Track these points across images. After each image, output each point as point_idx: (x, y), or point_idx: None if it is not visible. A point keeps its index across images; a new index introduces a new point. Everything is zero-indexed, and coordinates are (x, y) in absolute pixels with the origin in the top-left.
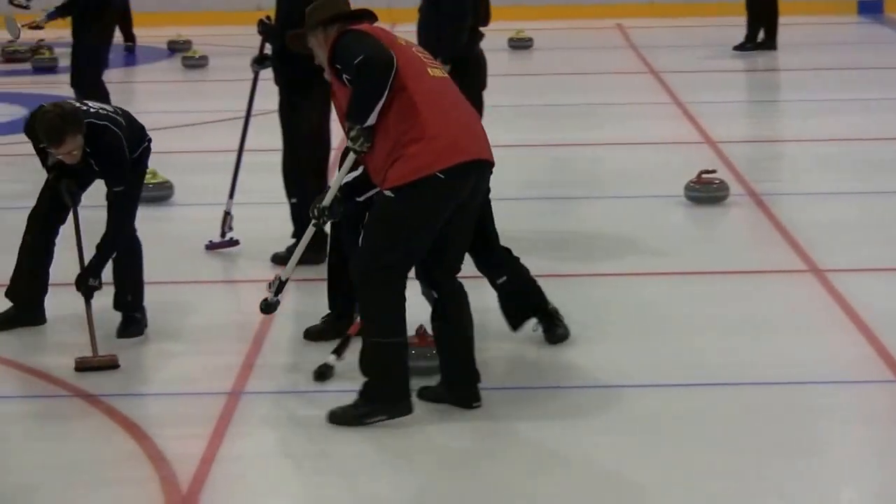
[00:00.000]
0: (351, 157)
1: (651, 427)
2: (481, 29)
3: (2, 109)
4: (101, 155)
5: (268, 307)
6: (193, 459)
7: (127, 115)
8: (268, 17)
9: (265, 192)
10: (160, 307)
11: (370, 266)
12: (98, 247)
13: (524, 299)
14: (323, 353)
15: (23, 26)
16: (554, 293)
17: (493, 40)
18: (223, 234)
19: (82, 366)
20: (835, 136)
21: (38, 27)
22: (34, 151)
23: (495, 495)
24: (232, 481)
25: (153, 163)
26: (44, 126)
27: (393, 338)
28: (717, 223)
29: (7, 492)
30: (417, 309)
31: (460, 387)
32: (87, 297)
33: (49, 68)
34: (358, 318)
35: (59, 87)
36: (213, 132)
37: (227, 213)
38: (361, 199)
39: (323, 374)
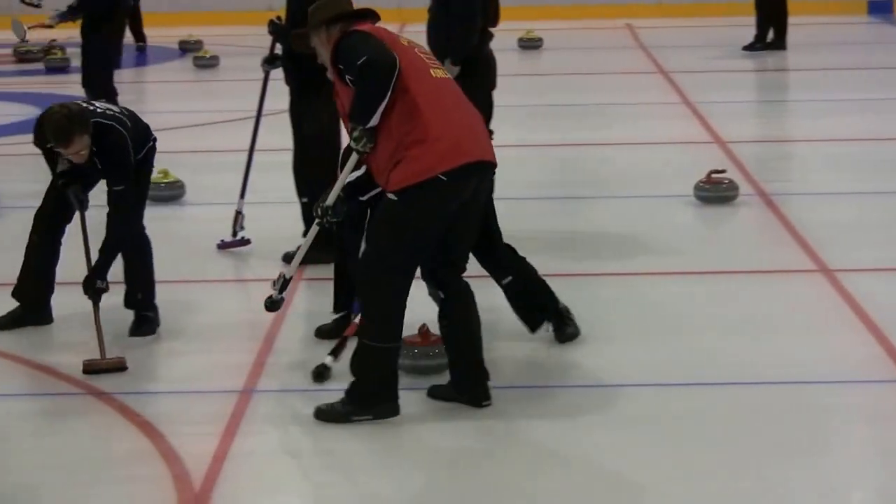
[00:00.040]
0: (354, 156)
1: (654, 426)
2: (490, 29)
3: (14, 109)
4: (105, 154)
5: (272, 305)
6: (206, 457)
7: (132, 116)
8: (278, 18)
9: (276, 192)
10: (172, 306)
11: (373, 268)
12: (102, 249)
13: (533, 299)
14: None
15: (30, 27)
16: (563, 293)
17: (502, 40)
18: (234, 234)
19: (90, 368)
20: (845, 136)
21: (48, 27)
22: (43, 156)
23: (495, 495)
24: (244, 479)
25: (165, 162)
26: (51, 127)
27: (389, 342)
28: (727, 223)
29: (19, 489)
30: (420, 308)
31: (470, 386)
32: (95, 301)
33: (61, 68)
34: (356, 319)
35: (71, 87)
36: (224, 132)
37: (239, 213)
38: (364, 198)
39: (321, 374)
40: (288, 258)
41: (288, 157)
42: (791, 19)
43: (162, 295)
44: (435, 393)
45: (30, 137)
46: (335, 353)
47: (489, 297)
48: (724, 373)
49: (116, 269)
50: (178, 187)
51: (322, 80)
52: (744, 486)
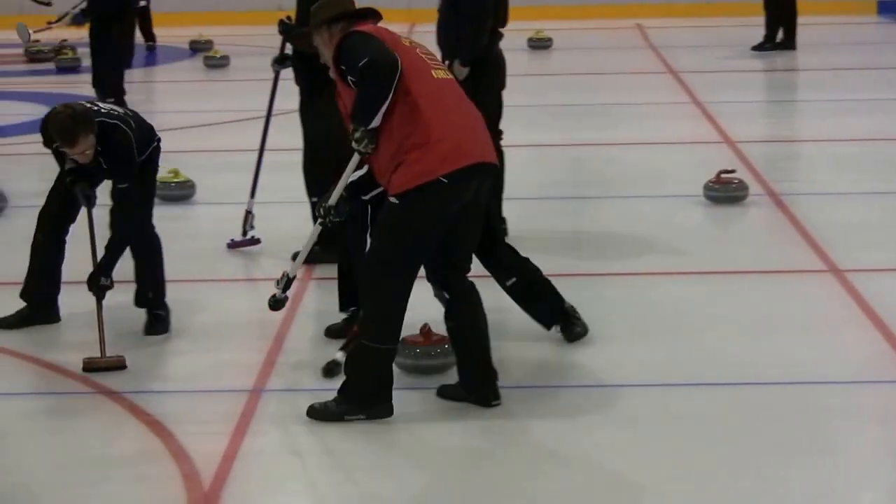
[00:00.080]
0: (355, 156)
1: (657, 426)
2: (500, 30)
3: (25, 109)
4: (110, 153)
5: (276, 304)
6: (216, 456)
7: (136, 116)
8: (288, 18)
9: (286, 191)
10: (182, 305)
11: (375, 270)
12: (107, 246)
13: (540, 298)
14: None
15: (37, 31)
16: (572, 292)
17: (512, 40)
18: (244, 233)
19: (90, 366)
20: (854, 136)
21: (55, 24)
22: (52, 155)
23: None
24: (254, 478)
25: (175, 161)
26: (56, 127)
27: (386, 344)
28: (736, 223)
29: (28, 488)
30: (421, 308)
31: (478, 385)
32: (99, 297)
33: (72, 68)
34: None
35: (82, 86)
36: (234, 132)
37: (249, 212)
38: (367, 197)
39: (331, 370)
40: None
41: (298, 157)
42: (800, 19)
43: (172, 294)
44: (444, 393)
45: (39, 137)
46: (345, 348)
47: (495, 297)
48: (731, 373)
49: (126, 269)
50: (188, 187)
51: (332, 81)
52: (744, 486)
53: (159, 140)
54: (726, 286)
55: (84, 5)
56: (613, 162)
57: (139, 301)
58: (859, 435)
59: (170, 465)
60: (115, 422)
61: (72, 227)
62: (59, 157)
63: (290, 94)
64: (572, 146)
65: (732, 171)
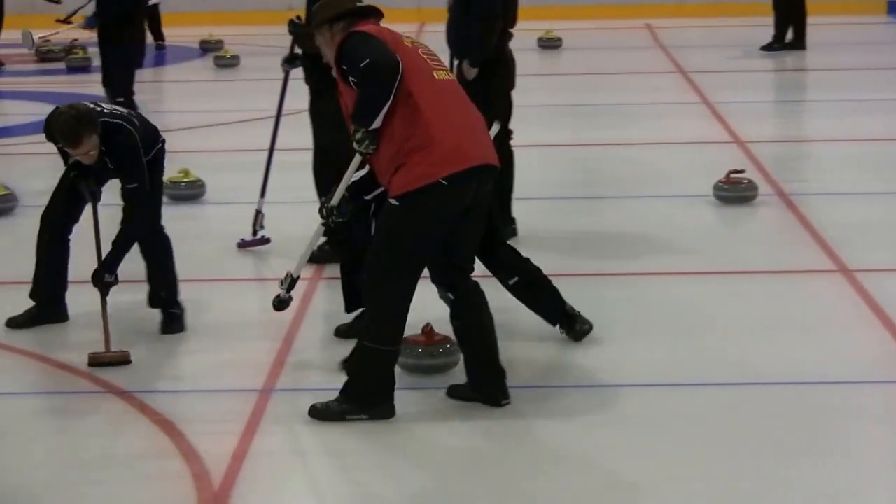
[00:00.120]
0: (357, 157)
1: (662, 426)
2: (510, 30)
3: (36, 108)
4: (115, 153)
5: (280, 304)
6: (225, 456)
7: (140, 117)
8: (298, 18)
9: (296, 191)
10: (192, 305)
11: (377, 272)
12: (114, 243)
13: (543, 296)
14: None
15: (40, 37)
16: (580, 292)
17: (522, 40)
18: (254, 233)
19: (95, 361)
20: (864, 136)
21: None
22: (57, 151)
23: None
24: (263, 478)
25: (185, 161)
26: (60, 127)
27: (389, 346)
28: (746, 223)
29: (38, 486)
30: (424, 308)
31: (487, 384)
32: (103, 293)
33: (82, 68)
34: None
35: (92, 86)
36: (244, 131)
37: (259, 212)
38: (369, 196)
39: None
40: (312, 259)
41: (307, 157)
42: (810, 19)
43: (182, 293)
44: (454, 393)
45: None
46: None
47: (498, 298)
48: (739, 373)
49: (134, 270)
50: (198, 186)
51: None
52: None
53: (164, 141)
54: (736, 286)
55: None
56: (623, 162)
57: (153, 302)
58: (868, 435)
59: (179, 464)
60: (125, 421)
61: (77, 227)
62: (65, 154)
63: (300, 93)
64: (582, 146)
65: (742, 171)
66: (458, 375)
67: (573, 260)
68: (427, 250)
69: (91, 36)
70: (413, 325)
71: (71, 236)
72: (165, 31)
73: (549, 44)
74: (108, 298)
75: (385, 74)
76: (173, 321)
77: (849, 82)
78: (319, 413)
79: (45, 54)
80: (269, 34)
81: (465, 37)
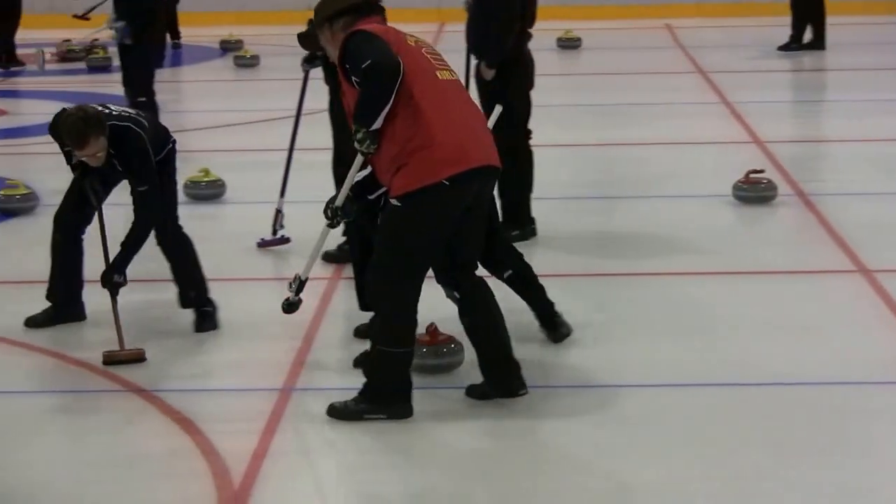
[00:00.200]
0: (359, 157)
1: (675, 426)
2: (529, 30)
3: (57, 108)
4: (124, 155)
5: (290, 307)
6: (246, 454)
7: (149, 118)
8: None
9: (316, 191)
10: None
11: (382, 275)
12: (123, 244)
13: (535, 288)
14: None
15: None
16: (599, 291)
17: (541, 40)
18: (274, 232)
19: (110, 359)
20: (884, 136)
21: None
22: (62, 153)
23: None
24: (283, 476)
25: (205, 161)
26: (66, 129)
27: (400, 347)
28: (765, 223)
29: (58, 485)
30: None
31: (502, 379)
32: (113, 294)
33: (103, 67)
34: None
35: (113, 86)
36: (264, 131)
37: (279, 211)
38: (373, 196)
39: (362, 362)
40: (327, 257)
41: (327, 157)
42: (831, 19)
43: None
44: (472, 393)
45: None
46: None
47: (499, 298)
48: (756, 373)
49: (151, 269)
50: (218, 186)
51: None
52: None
53: (174, 142)
54: (754, 286)
55: (120, 23)
56: (642, 162)
57: (184, 302)
58: (887, 435)
59: (200, 462)
60: (144, 419)
61: (92, 227)
62: (69, 154)
63: (319, 93)
64: (601, 146)
65: (761, 171)
66: (461, 375)
67: (592, 259)
68: (430, 250)
69: (111, 36)
70: (418, 324)
71: (84, 236)
72: (185, 30)
73: (569, 44)
74: (123, 298)
75: (387, 76)
76: (206, 319)
77: (868, 82)
78: (338, 412)
79: (65, 54)
80: (289, 34)
81: (484, 37)
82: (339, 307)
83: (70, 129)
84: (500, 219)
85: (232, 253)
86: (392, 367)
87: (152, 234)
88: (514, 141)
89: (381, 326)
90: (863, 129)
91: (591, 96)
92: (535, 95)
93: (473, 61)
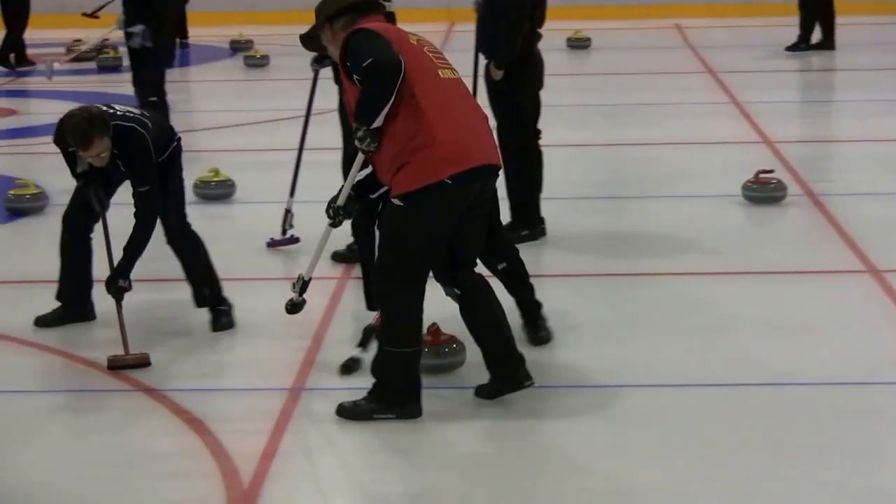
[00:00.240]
0: (360, 156)
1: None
2: (539, 30)
3: (67, 108)
4: (127, 156)
5: (294, 307)
6: (255, 454)
7: (154, 118)
8: None
9: (325, 190)
10: None
11: (387, 278)
12: (125, 248)
13: (526, 284)
14: None
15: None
16: (609, 291)
17: (551, 40)
18: (284, 232)
19: (115, 364)
20: (894, 136)
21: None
22: (63, 158)
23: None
24: (293, 476)
25: (215, 160)
26: (71, 129)
27: (407, 347)
28: (775, 223)
29: (67, 484)
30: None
31: (508, 373)
32: (118, 299)
33: (113, 67)
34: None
35: (123, 86)
36: (274, 130)
37: (288, 211)
38: (374, 195)
39: (349, 367)
40: (337, 257)
41: (337, 156)
42: (840, 19)
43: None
44: (481, 393)
45: None
46: (363, 344)
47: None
48: (764, 373)
49: (157, 269)
50: (228, 186)
51: None
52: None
53: (179, 139)
54: (763, 286)
55: (139, 27)
56: (651, 162)
57: (199, 301)
58: (892, 436)
59: (209, 462)
60: (154, 419)
61: (99, 227)
62: (71, 159)
63: (329, 93)
64: (610, 146)
65: (771, 171)
66: (463, 375)
67: (601, 259)
68: (434, 250)
69: (121, 36)
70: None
71: (92, 235)
72: (196, 30)
73: (578, 44)
74: (132, 298)
75: (388, 74)
76: (221, 317)
77: (878, 82)
78: (348, 412)
79: (85, 54)
80: (299, 34)
81: (493, 37)
82: (347, 307)
83: (74, 129)
84: (510, 219)
85: (241, 253)
86: (399, 367)
87: (161, 233)
88: (523, 141)
89: (388, 327)
90: (873, 130)
91: (601, 96)
92: (545, 95)
93: (483, 61)
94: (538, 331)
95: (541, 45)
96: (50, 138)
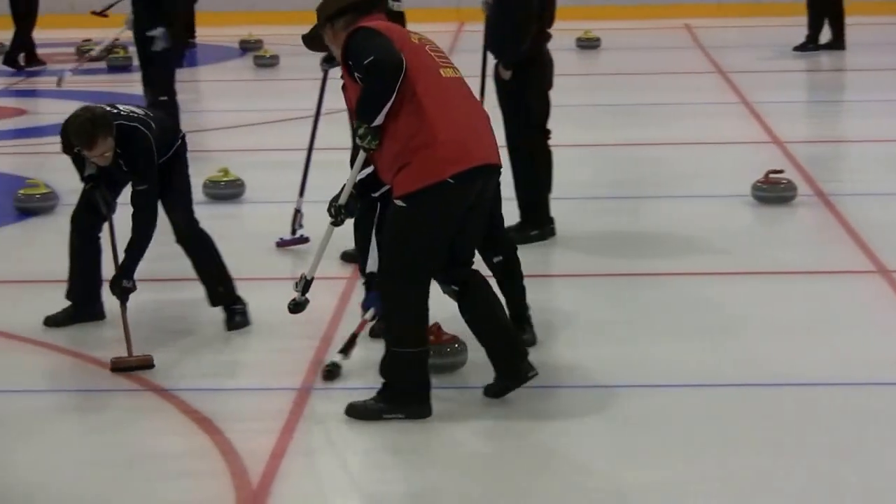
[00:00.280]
0: (361, 154)
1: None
2: (548, 30)
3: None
4: (130, 155)
5: (296, 307)
6: (264, 454)
7: (157, 117)
8: None
9: (335, 190)
10: None
11: (391, 280)
12: (127, 249)
13: (516, 280)
14: None
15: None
16: (618, 291)
17: (560, 40)
18: (293, 232)
19: (118, 366)
20: None
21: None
22: (72, 161)
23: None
24: (302, 476)
25: (225, 160)
26: (75, 130)
27: (413, 348)
28: (785, 223)
29: (77, 484)
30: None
31: (512, 365)
32: (123, 300)
33: (123, 67)
34: (365, 316)
35: (133, 85)
36: (283, 130)
37: (298, 211)
38: (377, 194)
39: (331, 372)
40: (346, 257)
41: (346, 156)
42: (850, 19)
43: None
44: (489, 392)
45: None
46: (345, 350)
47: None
48: (770, 373)
49: (164, 269)
50: (237, 185)
51: None
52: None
53: (183, 137)
54: (773, 286)
55: (159, 30)
56: (661, 162)
57: (213, 300)
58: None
59: (218, 462)
60: (163, 418)
61: (107, 226)
62: (79, 162)
63: (338, 93)
64: (620, 146)
65: (781, 172)
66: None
67: (610, 260)
68: (437, 250)
69: (130, 36)
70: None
71: (101, 234)
72: (205, 30)
73: (588, 44)
74: (141, 298)
75: (389, 72)
76: (236, 316)
77: (888, 82)
78: (357, 412)
79: (85, 54)
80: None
81: (501, 37)
82: (357, 307)
83: (78, 129)
84: (519, 219)
85: (251, 252)
86: (406, 367)
87: (171, 232)
88: (531, 141)
89: (395, 330)
90: (883, 130)
91: (611, 96)
92: (555, 95)
93: (492, 61)
94: (522, 333)
95: (550, 45)
96: (59, 138)
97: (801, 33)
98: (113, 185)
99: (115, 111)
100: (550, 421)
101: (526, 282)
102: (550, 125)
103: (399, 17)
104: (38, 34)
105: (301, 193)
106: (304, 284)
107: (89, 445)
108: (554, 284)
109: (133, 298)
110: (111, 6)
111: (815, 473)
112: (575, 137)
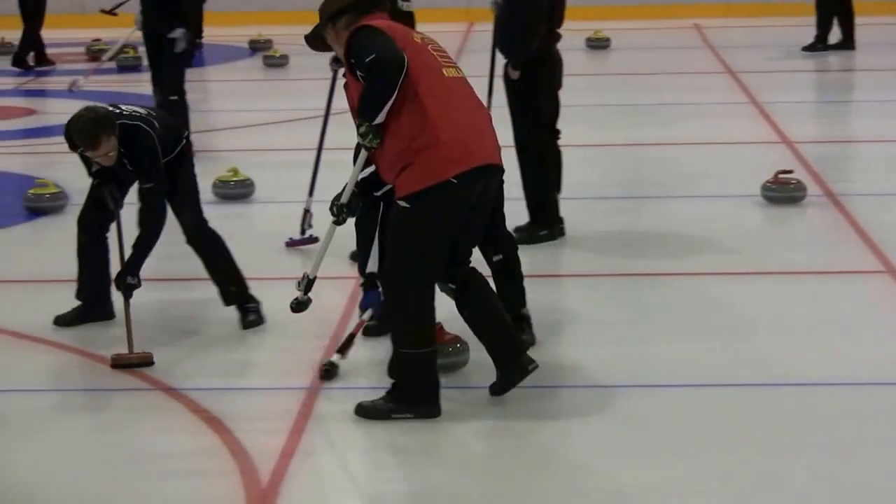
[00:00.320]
0: (363, 153)
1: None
2: (558, 30)
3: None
4: (134, 154)
5: (299, 306)
6: (274, 453)
7: (160, 116)
8: None
9: None
10: None
11: (396, 281)
12: (134, 245)
13: (514, 281)
14: None
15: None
16: (626, 291)
17: (570, 40)
18: (303, 232)
19: (118, 362)
20: None
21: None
22: (80, 159)
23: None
24: (311, 475)
25: (234, 160)
26: (78, 130)
27: (419, 348)
28: (794, 223)
29: (87, 483)
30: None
31: (512, 361)
32: (127, 296)
33: (133, 67)
34: (363, 317)
35: (143, 85)
36: (293, 130)
37: (307, 211)
38: (379, 193)
39: (328, 372)
40: (355, 257)
41: None
42: (860, 19)
43: None
44: (494, 389)
45: None
46: (342, 350)
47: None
48: (779, 373)
49: (170, 268)
50: (247, 185)
51: None
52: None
53: (188, 136)
54: (783, 286)
55: (180, 31)
56: (671, 162)
57: (227, 299)
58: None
59: (228, 461)
60: (172, 417)
61: (115, 226)
62: (87, 159)
63: None
64: (629, 146)
65: (790, 172)
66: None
67: (619, 259)
68: (441, 250)
69: (139, 36)
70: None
71: (108, 234)
72: (215, 30)
73: (598, 44)
74: (150, 297)
75: (390, 70)
76: (250, 314)
77: None
78: (366, 411)
79: (95, 54)
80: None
81: (510, 37)
82: None
83: (81, 130)
84: (529, 219)
85: (260, 252)
86: (414, 367)
87: (180, 232)
88: (539, 141)
89: (402, 331)
90: (893, 130)
91: (620, 96)
92: (564, 95)
93: (501, 61)
94: (521, 334)
95: (560, 46)
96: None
97: (809, 33)
98: (119, 184)
99: (118, 111)
100: (550, 421)
101: (535, 282)
102: (560, 125)
103: (408, 17)
104: (48, 34)
105: (310, 193)
106: (307, 283)
107: (98, 444)
108: (563, 284)
109: (142, 297)
110: (120, 5)
111: (815, 473)
112: (584, 137)
